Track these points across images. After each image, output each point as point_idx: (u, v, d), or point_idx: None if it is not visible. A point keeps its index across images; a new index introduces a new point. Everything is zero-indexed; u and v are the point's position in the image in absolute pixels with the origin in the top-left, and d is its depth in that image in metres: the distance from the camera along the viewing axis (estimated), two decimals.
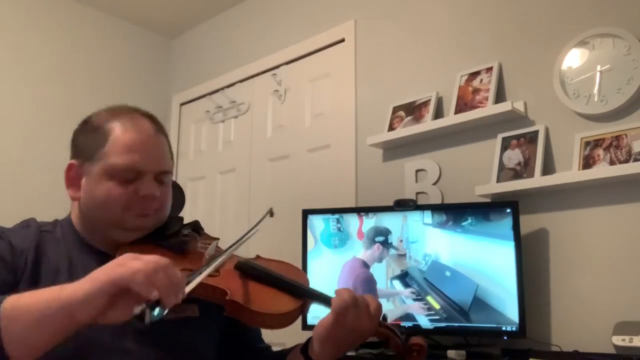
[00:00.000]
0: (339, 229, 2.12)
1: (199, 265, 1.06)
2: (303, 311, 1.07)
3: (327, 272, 2.09)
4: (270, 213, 1.21)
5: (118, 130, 1.09)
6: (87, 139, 1.12)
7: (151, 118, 1.16)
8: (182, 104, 3.64)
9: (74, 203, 1.15)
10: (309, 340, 1.07)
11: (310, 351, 1.06)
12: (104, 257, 1.07)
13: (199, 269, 1.02)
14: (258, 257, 1.19)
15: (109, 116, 1.13)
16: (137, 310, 0.77)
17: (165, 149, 1.16)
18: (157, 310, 0.78)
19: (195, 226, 1.20)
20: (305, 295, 1.07)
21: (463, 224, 1.93)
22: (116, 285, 0.78)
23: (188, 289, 0.85)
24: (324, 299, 1.05)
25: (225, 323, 1.16)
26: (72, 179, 1.12)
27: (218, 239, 1.18)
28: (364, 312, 1.00)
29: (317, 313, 1.08)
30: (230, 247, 1.10)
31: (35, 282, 1.01)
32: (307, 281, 1.14)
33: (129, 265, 0.79)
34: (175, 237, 1.13)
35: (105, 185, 1.07)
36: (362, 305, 1.00)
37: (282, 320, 1.03)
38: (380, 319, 1.04)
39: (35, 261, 1.04)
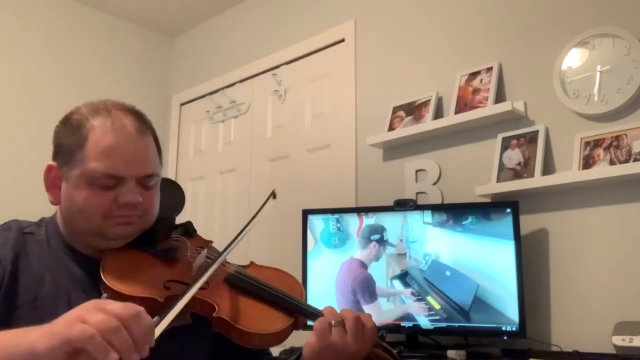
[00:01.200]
0: (338, 229, 2.12)
1: (186, 275, 1.01)
2: (296, 327, 1.01)
3: (327, 272, 2.09)
4: (273, 195, 1.14)
5: (97, 132, 1.03)
6: (67, 138, 1.06)
7: (135, 114, 1.09)
8: (182, 104, 3.64)
9: (57, 208, 1.10)
10: (299, 357, 1.02)
11: None
12: (90, 263, 1.04)
13: (188, 282, 0.97)
14: (252, 263, 1.14)
15: (89, 114, 1.06)
16: None
17: (149, 151, 1.08)
18: None
19: (187, 228, 1.15)
20: (298, 311, 1.01)
21: (463, 223, 1.93)
22: (72, 346, 0.73)
23: (159, 329, 0.79)
24: (316, 315, 0.99)
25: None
26: (52, 182, 1.08)
27: (211, 242, 1.14)
28: (350, 331, 0.94)
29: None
30: (233, 240, 1.05)
31: (13, 294, 0.97)
32: (301, 292, 1.08)
33: (90, 321, 0.73)
34: (164, 242, 1.08)
35: (84, 192, 1.01)
36: (348, 324, 0.94)
37: (272, 340, 0.98)
38: (376, 339, 0.98)
39: (14, 271, 0.99)
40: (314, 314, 1.00)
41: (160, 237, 1.09)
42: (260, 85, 3.15)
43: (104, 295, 0.96)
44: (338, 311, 0.99)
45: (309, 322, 1.00)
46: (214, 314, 0.95)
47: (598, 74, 1.90)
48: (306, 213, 2.19)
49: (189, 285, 0.92)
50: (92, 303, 0.77)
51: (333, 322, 0.94)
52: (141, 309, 0.76)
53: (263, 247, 2.76)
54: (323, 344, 0.94)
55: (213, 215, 3.21)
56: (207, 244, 1.15)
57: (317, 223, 2.16)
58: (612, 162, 1.80)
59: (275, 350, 1.18)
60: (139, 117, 1.09)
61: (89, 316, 0.74)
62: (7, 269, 0.98)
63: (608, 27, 1.90)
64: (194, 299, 0.92)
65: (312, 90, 2.88)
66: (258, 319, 0.98)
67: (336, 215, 2.13)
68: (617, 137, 1.82)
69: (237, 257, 1.14)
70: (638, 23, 1.86)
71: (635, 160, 1.75)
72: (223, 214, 3.19)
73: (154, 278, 1.00)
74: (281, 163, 2.94)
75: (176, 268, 1.04)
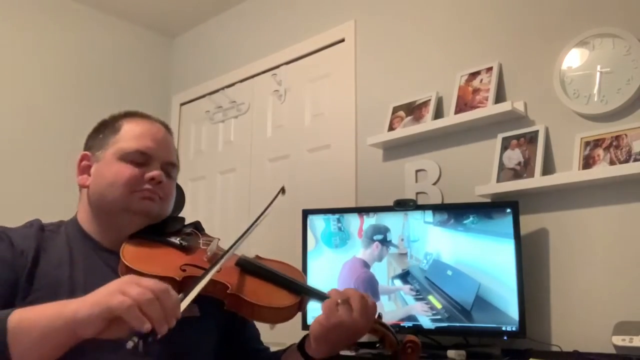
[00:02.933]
0: (339, 229, 2.12)
1: (201, 261, 1.09)
2: (301, 307, 1.09)
3: (327, 271, 2.09)
4: (282, 191, 1.25)
5: (131, 124, 1.18)
6: (100, 133, 1.19)
7: (162, 122, 1.25)
8: (182, 104, 3.64)
9: (82, 196, 1.19)
10: (306, 337, 1.10)
11: (307, 348, 1.08)
12: (108, 254, 1.12)
13: (201, 266, 1.05)
14: (258, 257, 1.21)
15: (122, 116, 1.21)
16: (130, 345, 0.80)
17: (174, 147, 1.25)
18: (150, 338, 0.81)
19: (197, 226, 1.23)
20: (303, 292, 1.10)
21: (464, 222, 1.93)
22: (113, 314, 0.82)
23: (184, 304, 0.88)
24: (320, 296, 1.08)
25: (225, 324, 1.18)
26: (83, 167, 1.18)
27: (218, 238, 1.20)
28: (356, 309, 1.01)
29: (316, 313, 1.09)
30: (244, 233, 1.13)
31: (34, 279, 1.04)
32: (304, 280, 1.18)
33: (130, 293, 0.82)
34: (178, 234, 1.16)
35: (116, 166, 1.13)
36: (354, 302, 1.02)
37: (281, 315, 1.06)
38: (376, 317, 1.06)
39: (36, 258, 1.06)
40: (319, 294, 1.09)
41: (173, 230, 1.17)
42: (260, 85, 3.15)
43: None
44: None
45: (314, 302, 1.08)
46: (227, 291, 1.03)
47: (598, 74, 1.90)
48: (306, 213, 2.19)
49: (206, 269, 1.01)
50: (129, 277, 0.87)
51: (340, 300, 1.01)
52: (168, 285, 0.85)
53: (263, 247, 2.73)
54: (331, 321, 1.01)
55: (213, 215, 3.21)
56: (215, 239, 1.21)
57: (318, 223, 2.16)
58: (612, 162, 1.80)
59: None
60: (165, 123, 1.27)
61: (127, 288, 0.82)
62: (30, 258, 1.06)
63: (608, 27, 1.90)
64: (209, 281, 0.99)
65: (312, 90, 2.88)
66: (268, 296, 1.07)
67: (337, 215, 2.13)
68: (617, 137, 1.82)
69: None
70: (638, 23, 1.86)
71: (635, 160, 1.75)
72: (223, 214, 3.19)
73: (171, 261, 1.08)
74: (281, 163, 2.94)
75: (190, 254, 1.13)
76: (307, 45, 2.92)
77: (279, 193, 1.24)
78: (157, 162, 1.16)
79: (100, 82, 3.33)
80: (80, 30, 3.36)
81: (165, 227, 1.16)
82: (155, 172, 1.14)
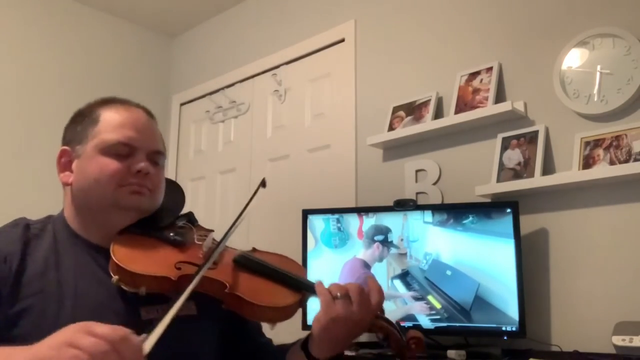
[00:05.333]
0: (339, 229, 2.12)
1: (196, 257, 1.05)
2: (302, 304, 1.06)
3: (327, 272, 2.09)
4: (263, 184, 1.18)
5: (111, 112, 1.10)
6: (78, 125, 1.11)
7: (142, 107, 1.16)
8: (182, 104, 3.64)
9: (66, 193, 1.12)
10: (309, 335, 1.06)
11: (310, 346, 1.05)
12: (98, 251, 1.07)
13: (198, 263, 1.01)
14: (254, 249, 1.18)
15: (99, 103, 1.13)
16: None
17: (158, 132, 1.16)
18: None
19: (190, 218, 1.18)
20: (304, 289, 1.07)
21: (464, 222, 1.93)
22: None
23: (149, 344, 0.78)
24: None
25: (224, 319, 1.14)
26: (65, 164, 1.11)
27: (213, 230, 1.17)
28: (355, 302, 0.98)
29: (316, 312, 1.08)
30: (230, 228, 1.08)
31: (20, 287, 0.99)
32: (304, 274, 1.14)
33: (80, 346, 0.72)
34: (171, 229, 1.11)
35: (99, 161, 1.06)
36: (353, 295, 0.99)
37: (281, 314, 1.03)
38: (378, 312, 1.03)
39: (21, 265, 1.01)
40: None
41: (166, 223, 1.12)
42: (260, 85, 3.15)
43: (115, 277, 0.97)
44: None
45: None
46: (225, 291, 0.99)
47: (598, 74, 1.90)
48: (306, 213, 2.19)
49: (199, 267, 0.96)
50: (79, 326, 0.75)
51: (338, 294, 0.98)
52: (128, 330, 0.76)
53: (263, 247, 2.75)
54: (330, 316, 0.98)
55: (213, 215, 3.21)
56: (210, 232, 1.18)
57: (317, 223, 2.16)
58: (612, 162, 1.80)
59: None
60: (146, 108, 1.17)
61: (78, 340, 0.72)
62: (15, 263, 1.00)
63: (608, 27, 1.90)
64: (204, 279, 0.95)
65: (312, 90, 2.88)
66: (268, 294, 1.03)
67: (336, 215, 2.13)
68: (617, 137, 1.82)
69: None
70: (638, 23, 1.86)
71: (635, 160, 1.75)
72: (223, 214, 3.19)
73: (165, 259, 1.03)
74: (281, 163, 2.94)
75: (185, 251, 1.08)
76: (307, 45, 2.92)
77: (259, 187, 1.18)
78: (142, 152, 1.09)
79: (100, 81, 3.32)
80: (81, 30, 3.36)
81: (156, 221, 1.11)
82: (141, 165, 1.07)
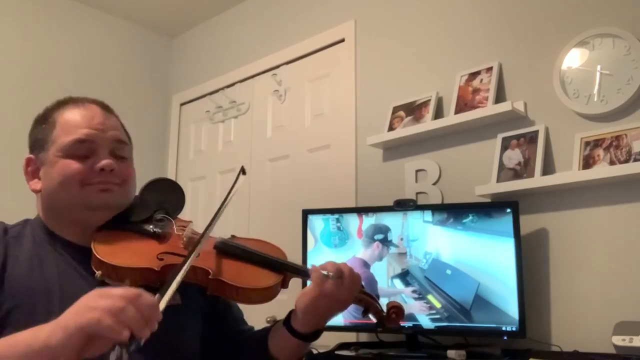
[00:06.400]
0: (338, 228, 2.12)
1: (177, 247, 1.07)
2: (284, 285, 1.11)
3: None
4: (243, 171, 1.20)
5: (65, 114, 1.11)
6: (38, 130, 1.13)
7: (98, 102, 1.17)
8: (182, 104, 3.64)
9: (38, 199, 1.13)
10: (291, 312, 1.11)
11: (294, 321, 1.09)
12: (78, 250, 1.07)
13: (179, 253, 1.03)
14: (233, 236, 1.20)
15: (55, 106, 1.15)
16: (113, 357, 0.76)
17: (117, 124, 1.16)
18: (133, 345, 0.77)
19: (167, 210, 1.18)
20: (285, 269, 1.11)
21: (464, 221, 1.93)
22: (86, 333, 0.77)
23: (163, 303, 0.83)
24: (302, 272, 1.11)
25: (207, 307, 1.17)
26: (32, 172, 1.13)
27: (191, 221, 1.18)
28: (344, 281, 1.05)
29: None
30: (213, 218, 1.10)
31: (4, 288, 0.99)
32: (285, 256, 1.18)
33: (98, 306, 0.77)
34: (149, 221, 1.12)
35: (61, 164, 1.06)
36: (346, 275, 1.05)
37: (265, 295, 1.07)
38: (360, 287, 1.10)
39: (2, 267, 1.01)
40: (301, 270, 1.13)
41: (144, 217, 1.12)
42: (260, 85, 3.15)
43: (98, 272, 0.98)
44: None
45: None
46: (209, 277, 1.02)
47: (598, 74, 1.90)
48: (306, 213, 2.19)
49: (184, 255, 0.97)
50: (95, 291, 0.80)
51: (331, 274, 1.05)
52: (141, 290, 0.80)
53: None
54: (322, 292, 1.04)
55: (213, 215, 3.20)
56: (189, 222, 1.19)
57: (317, 223, 2.16)
58: (612, 162, 1.80)
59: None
60: (102, 102, 1.17)
61: (96, 302, 0.78)
62: None
63: (608, 27, 1.90)
64: (188, 268, 0.96)
65: (312, 90, 2.88)
66: (250, 277, 1.07)
67: (336, 215, 2.13)
68: (617, 137, 1.82)
69: None
70: (638, 23, 1.86)
71: (635, 160, 1.75)
72: (223, 213, 3.17)
73: (147, 251, 1.04)
74: (281, 163, 2.94)
75: (166, 242, 1.09)
76: (307, 45, 2.92)
77: (239, 174, 1.19)
78: (104, 148, 1.09)
79: (100, 81, 3.32)
80: (80, 29, 3.36)
81: (134, 215, 1.11)
82: (104, 162, 1.07)
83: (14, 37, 3.08)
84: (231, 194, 1.14)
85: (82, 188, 1.06)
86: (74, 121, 1.09)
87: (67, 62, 3.27)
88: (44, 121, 1.13)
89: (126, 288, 0.80)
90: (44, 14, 3.21)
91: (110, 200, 1.09)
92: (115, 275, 0.98)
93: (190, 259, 0.95)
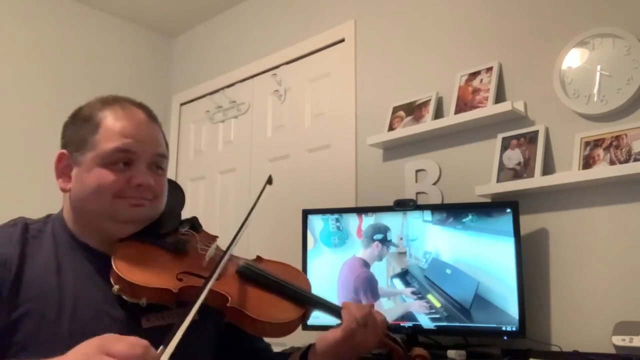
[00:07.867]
0: (338, 228, 2.12)
1: (199, 267, 1.03)
2: (305, 319, 1.06)
3: (327, 271, 2.09)
4: (269, 181, 1.16)
5: (110, 118, 1.06)
6: (78, 128, 1.08)
7: (144, 107, 1.12)
8: (182, 104, 3.64)
9: (65, 197, 1.10)
10: (310, 346, 1.06)
11: (312, 357, 1.05)
12: (98, 256, 1.04)
13: (200, 274, 0.99)
14: (259, 258, 1.16)
15: (100, 105, 1.09)
16: None
17: (160, 135, 1.12)
18: None
19: (193, 223, 1.16)
20: (309, 303, 1.06)
21: (463, 220, 1.92)
22: None
23: (166, 355, 0.76)
24: (330, 309, 1.06)
25: (224, 324, 1.11)
26: (63, 169, 1.08)
27: (217, 237, 1.15)
28: (372, 328, 1.02)
29: (317, 313, 1.08)
30: (235, 236, 1.06)
31: (19, 291, 0.96)
32: (309, 286, 1.13)
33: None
34: (173, 235, 1.09)
35: (97, 173, 1.02)
36: (371, 323, 1.02)
37: (283, 329, 1.02)
38: (385, 329, 1.05)
39: (20, 268, 0.98)
40: (326, 306, 1.06)
41: (168, 230, 1.10)
42: (260, 85, 3.15)
43: (115, 287, 0.96)
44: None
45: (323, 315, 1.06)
46: (227, 304, 0.97)
47: (598, 74, 1.90)
48: (306, 213, 2.19)
49: (204, 277, 0.94)
50: (96, 345, 0.73)
51: (361, 322, 1.01)
52: (146, 344, 0.73)
53: (263, 246, 2.76)
54: (349, 339, 1.01)
55: (213, 215, 3.21)
56: (214, 238, 1.16)
57: (316, 223, 2.16)
58: (612, 162, 1.80)
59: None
60: (148, 109, 1.13)
61: (98, 357, 0.71)
62: (14, 267, 0.97)
63: (608, 27, 1.90)
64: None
65: (312, 90, 2.88)
66: (270, 308, 1.02)
67: (336, 215, 2.13)
68: (617, 137, 1.82)
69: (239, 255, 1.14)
70: (638, 23, 1.86)
71: (635, 160, 1.75)
72: (223, 214, 3.19)
73: (167, 269, 1.01)
74: (281, 163, 2.94)
75: (187, 260, 1.05)
76: (307, 45, 2.92)
77: (265, 184, 1.15)
78: (143, 160, 1.05)
79: (100, 81, 3.32)
80: (81, 29, 3.36)
81: (159, 227, 1.08)
82: (141, 179, 1.03)
83: (14, 37, 3.08)
84: (256, 206, 1.11)
85: (113, 199, 1.02)
86: (118, 127, 1.04)
87: (68, 62, 3.27)
88: (86, 120, 1.07)
89: (131, 344, 0.72)
90: (45, 14, 3.21)
91: (141, 215, 1.06)
92: (132, 293, 0.96)
93: (207, 288, 0.92)
